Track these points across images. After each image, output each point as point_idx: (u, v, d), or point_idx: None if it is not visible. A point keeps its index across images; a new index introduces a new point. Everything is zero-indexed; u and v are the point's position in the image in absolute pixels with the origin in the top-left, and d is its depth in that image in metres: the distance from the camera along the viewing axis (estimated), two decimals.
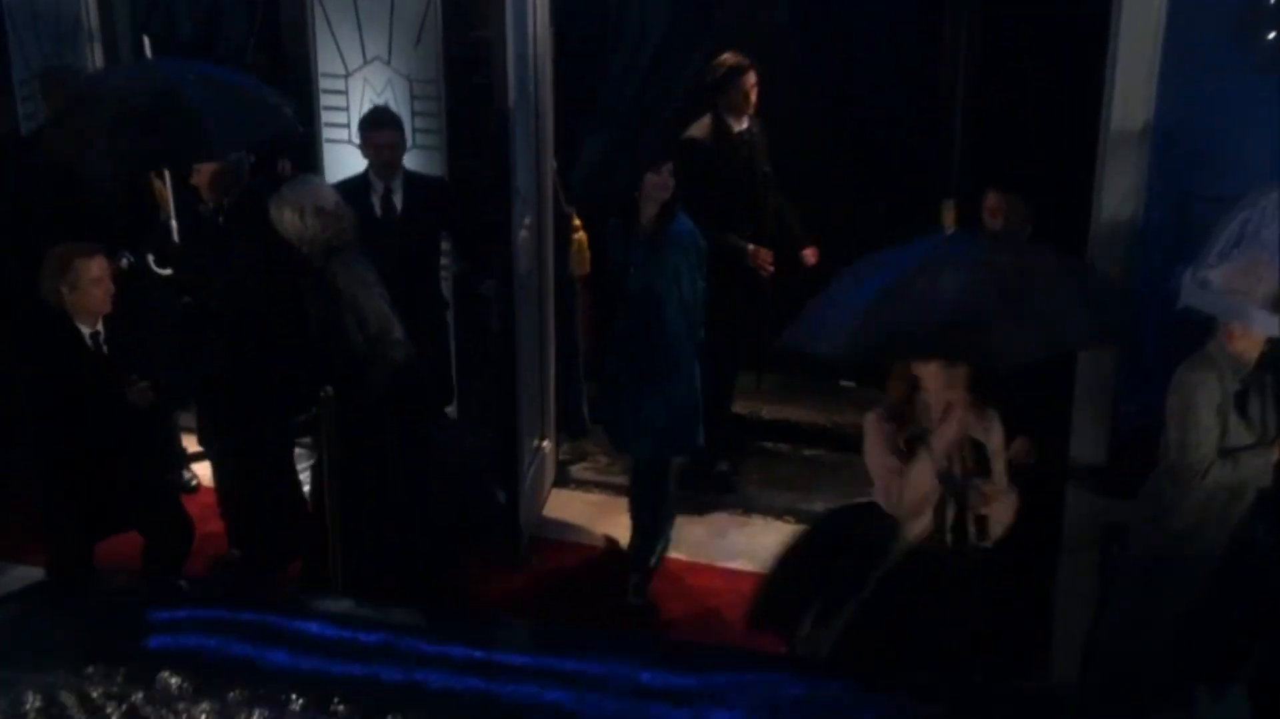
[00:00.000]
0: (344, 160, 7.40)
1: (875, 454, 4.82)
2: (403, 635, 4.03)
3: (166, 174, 6.48)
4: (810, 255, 7.51)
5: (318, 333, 6.03)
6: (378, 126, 6.65)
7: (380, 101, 7.23)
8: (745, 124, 7.32)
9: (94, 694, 3.72)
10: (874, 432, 4.82)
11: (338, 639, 4.00)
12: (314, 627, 4.09)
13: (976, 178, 6.35)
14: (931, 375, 4.69)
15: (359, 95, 7.41)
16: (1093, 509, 5.64)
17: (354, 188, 6.67)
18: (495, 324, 6.78)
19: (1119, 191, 5.40)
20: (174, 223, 6.49)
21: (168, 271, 6.61)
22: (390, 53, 7.29)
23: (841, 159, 7.48)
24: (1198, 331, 5.13)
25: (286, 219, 6.09)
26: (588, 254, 7.49)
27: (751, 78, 7.16)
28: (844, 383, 8.29)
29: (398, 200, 6.66)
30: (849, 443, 7.89)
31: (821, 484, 7.66)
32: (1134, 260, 5.49)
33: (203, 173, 6.48)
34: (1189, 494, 5.04)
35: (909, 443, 4.77)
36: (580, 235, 7.49)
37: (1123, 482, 5.49)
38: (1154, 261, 5.54)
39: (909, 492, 4.72)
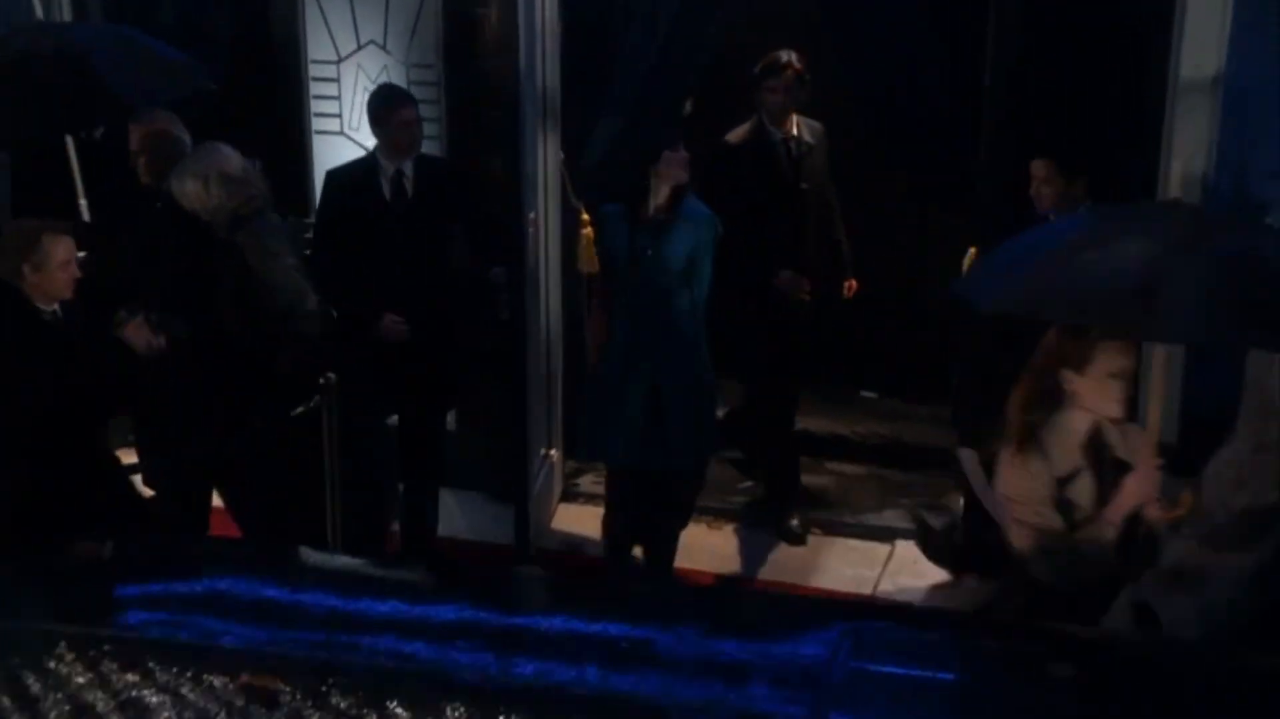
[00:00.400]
0: (334, 154, 6.95)
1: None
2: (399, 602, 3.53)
3: (70, 145, 6.03)
4: (848, 289, 6.89)
5: (226, 309, 5.59)
6: (401, 103, 6.18)
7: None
8: (793, 131, 6.60)
9: (64, 672, 3.21)
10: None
11: (329, 610, 3.49)
12: (303, 597, 3.58)
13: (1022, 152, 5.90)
14: (1090, 390, 3.99)
15: (352, 83, 6.97)
16: (1165, 490, 5.20)
17: (360, 171, 6.21)
18: (504, 313, 6.31)
19: (1188, 144, 5.02)
20: (83, 201, 6.01)
21: (80, 255, 6.12)
22: (386, 36, 6.86)
23: (875, 146, 6.97)
24: None
25: (189, 189, 5.65)
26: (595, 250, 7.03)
27: (785, 77, 6.47)
28: (865, 393, 7.86)
29: (409, 184, 6.17)
30: (871, 455, 7.51)
31: (846, 497, 7.21)
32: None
33: (138, 153, 6.02)
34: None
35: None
36: (588, 231, 7.00)
37: (1193, 461, 5.10)
38: None
39: (1077, 569, 4.01)
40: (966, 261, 6.76)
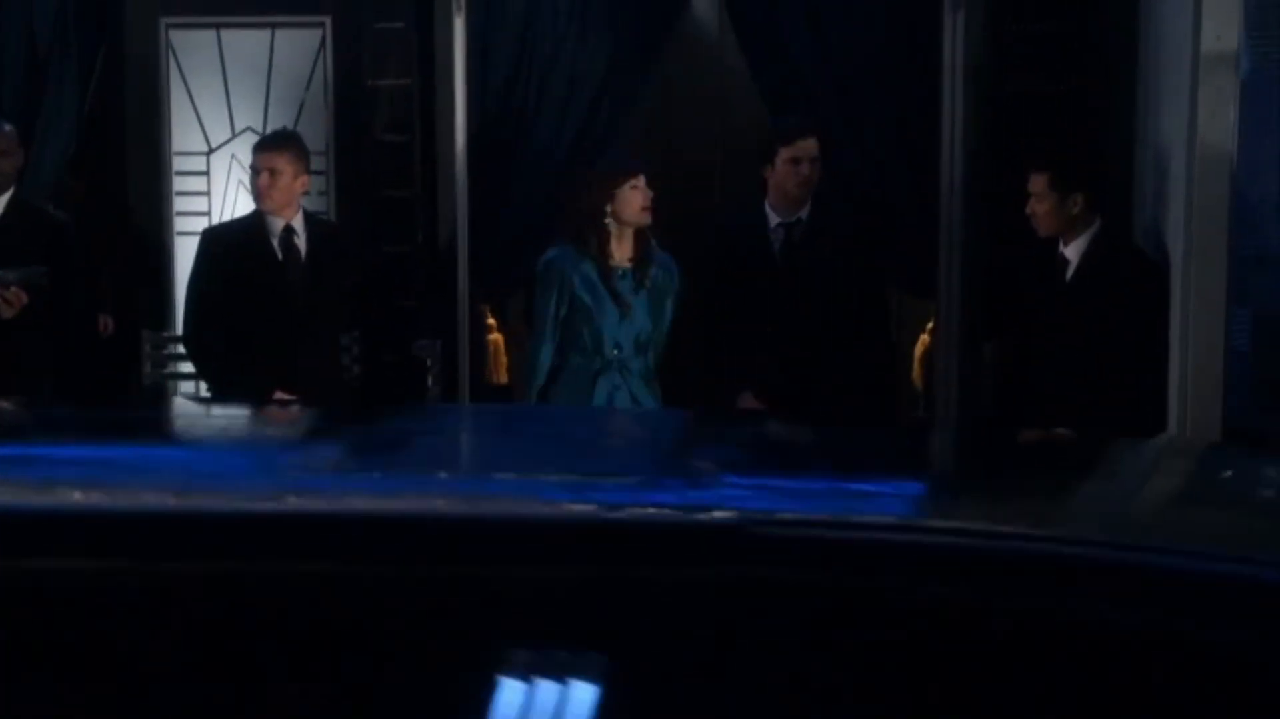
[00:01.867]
0: None
1: None
2: None
3: None
4: None
5: None
6: (258, 148, 5.37)
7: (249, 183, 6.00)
8: (795, 215, 5.32)
9: None
10: None
11: None
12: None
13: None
14: None
15: (224, 176, 6.16)
16: None
17: (247, 228, 5.34)
18: (433, 389, 5.41)
19: (1216, 125, 4.55)
20: None
21: None
22: (266, 122, 6.09)
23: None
24: None
25: None
26: (505, 359, 6.18)
27: (801, 150, 5.23)
28: None
29: (300, 242, 5.30)
30: None
31: None
32: (1235, 208, 4.59)
33: None
34: None
35: None
36: (496, 337, 6.20)
37: None
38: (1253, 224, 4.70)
39: None
40: (919, 349, 6.16)
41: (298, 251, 5.28)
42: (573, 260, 5.10)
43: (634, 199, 5.05)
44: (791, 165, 5.23)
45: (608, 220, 5.06)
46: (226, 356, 5.17)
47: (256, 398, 5.10)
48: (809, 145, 5.23)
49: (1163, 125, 5.06)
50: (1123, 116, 5.54)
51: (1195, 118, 4.56)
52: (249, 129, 6.11)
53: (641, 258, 5.13)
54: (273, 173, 5.18)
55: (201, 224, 6.12)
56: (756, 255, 5.35)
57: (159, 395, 6.12)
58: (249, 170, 5.33)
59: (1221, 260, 4.68)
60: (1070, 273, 4.94)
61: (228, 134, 6.15)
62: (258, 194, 5.23)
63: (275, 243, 5.27)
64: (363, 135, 6.00)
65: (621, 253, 5.13)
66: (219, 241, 5.33)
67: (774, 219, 5.37)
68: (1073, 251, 4.94)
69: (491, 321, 6.23)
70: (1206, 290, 4.68)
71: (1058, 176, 4.91)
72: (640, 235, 5.14)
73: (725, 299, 5.26)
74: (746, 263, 5.37)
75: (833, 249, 5.31)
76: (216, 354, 5.21)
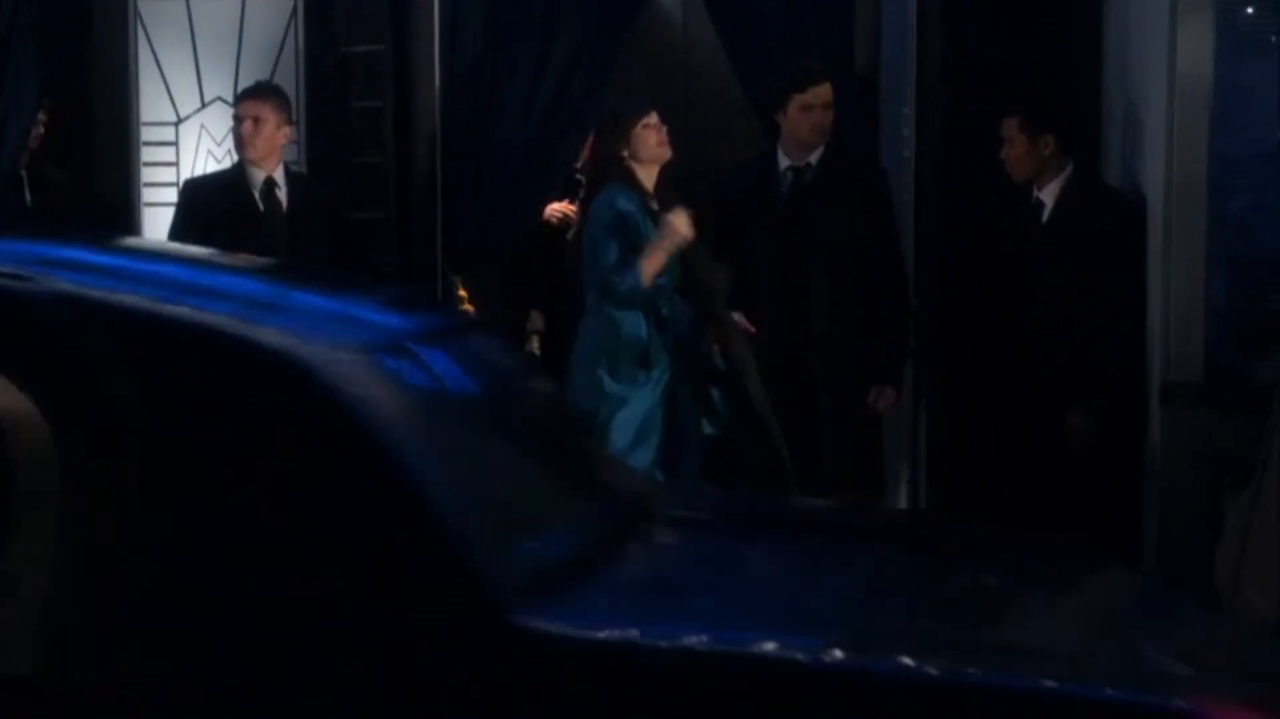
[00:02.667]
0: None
1: None
2: None
3: None
4: (884, 399, 5.27)
5: None
6: (239, 98, 5.39)
7: (220, 151, 5.99)
8: (805, 159, 5.25)
9: None
10: None
11: None
12: None
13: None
14: None
15: (192, 146, 6.12)
16: (1194, 433, 4.61)
17: (228, 180, 5.36)
18: None
19: (1194, 67, 4.64)
20: None
21: None
22: (235, 91, 6.03)
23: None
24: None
25: None
26: None
27: (816, 96, 5.16)
28: None
29: (281, 194, 5.27)
30: None
31: None
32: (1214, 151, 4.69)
33: None
34: None
35: None
36: (467, 308, 6.15)
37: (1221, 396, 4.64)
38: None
39: None
40: None
41: (279, 204, 5.27)
42: (627, 198, 4.89)
43: (648, 137, 4.91)
44: (805, 112, 5.16)
45: (626, 163, 4.90)
46: None
47: None
48: (823, 91, 5.17)
49: (1134, 70, 5.12)
50: (1090, 69, 5.54)
51: (1174, 61, 4.63)
52: (219, 99, 6.08)
53: (665, 195, 5.03)
54: (256, 120, 5.16)
55: (170, 195, 6.07)
56: (763, 196, 5.29)
57: None
58: (231, 120, 5.32)
59: (1201, 203, 4.75)
60: (1046, 215, 5.00)
61: (197, 104, 6.12)
62: (240, 142, 5.21)
63: (256, 195, 5.25)
64: (336, 102, 5.98)
65: (651, 181, 4.98)
66: (199, 193, 5.35)
67: (784, 162, 5.30)
68: (1048, 194, 4.99)
69: (463, 293, 6.20)
70: (1186, 233, 4.75)
71: (1028, 119, 4.97)
72: (663, 172, 5.01)
73: (727, 239, 5.20)
74: (752, 203, 5.31)
75: (843, 194, 5.25)
76: None
